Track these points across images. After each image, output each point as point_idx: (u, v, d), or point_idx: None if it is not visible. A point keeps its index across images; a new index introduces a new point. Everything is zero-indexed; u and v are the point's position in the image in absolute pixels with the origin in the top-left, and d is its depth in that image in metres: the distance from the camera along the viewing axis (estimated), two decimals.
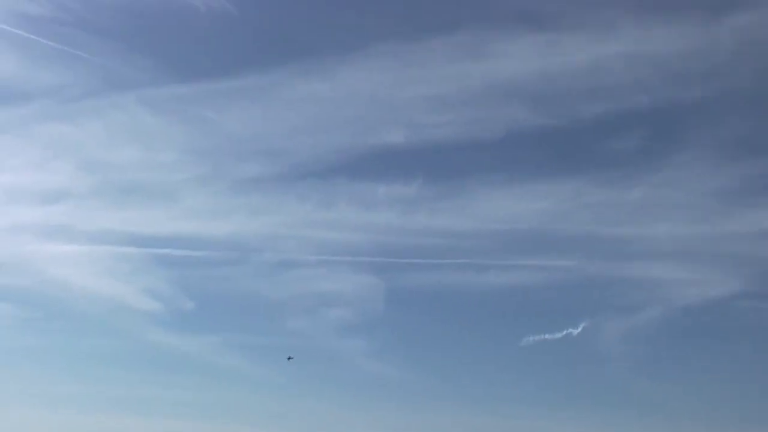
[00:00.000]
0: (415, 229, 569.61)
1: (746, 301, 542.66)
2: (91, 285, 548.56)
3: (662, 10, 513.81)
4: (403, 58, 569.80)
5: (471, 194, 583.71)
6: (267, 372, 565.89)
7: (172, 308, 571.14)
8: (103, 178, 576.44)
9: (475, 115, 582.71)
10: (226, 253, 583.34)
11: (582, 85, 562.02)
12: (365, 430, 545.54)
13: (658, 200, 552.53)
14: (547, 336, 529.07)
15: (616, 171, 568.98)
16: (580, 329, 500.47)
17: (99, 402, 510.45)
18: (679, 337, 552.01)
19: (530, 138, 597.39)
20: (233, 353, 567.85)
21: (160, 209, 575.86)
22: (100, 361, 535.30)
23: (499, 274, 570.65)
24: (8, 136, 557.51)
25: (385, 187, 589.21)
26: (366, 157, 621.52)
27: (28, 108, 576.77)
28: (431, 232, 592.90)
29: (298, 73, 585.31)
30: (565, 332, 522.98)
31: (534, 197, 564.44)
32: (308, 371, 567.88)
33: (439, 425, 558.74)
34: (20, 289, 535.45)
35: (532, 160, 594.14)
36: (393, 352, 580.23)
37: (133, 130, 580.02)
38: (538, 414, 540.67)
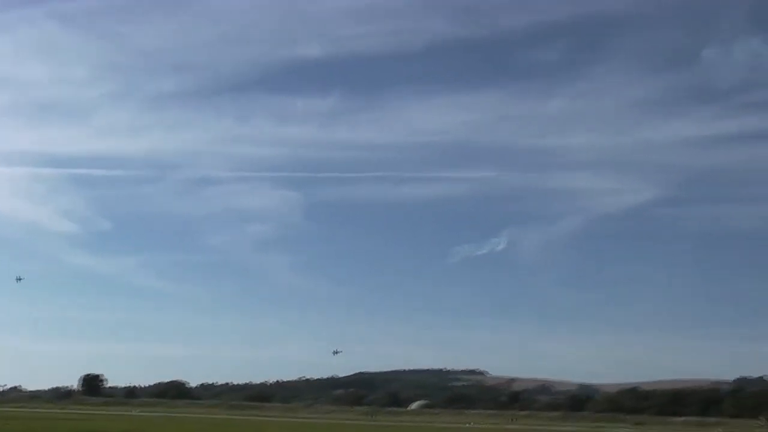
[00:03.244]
0: (333, 142, 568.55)
1: (663, 208, 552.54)
2: (6, 207, 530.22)
3: None
4: None
5: (390, 107, 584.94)
6: (188, 290, 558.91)
7: (89, 229, 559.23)
8: (15, 97, 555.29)
9: (395, 27, 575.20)
10: (143, 172, 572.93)
11: None
12: (289, 342, 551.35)
13: (577, 111, 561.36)
14: (471, 249, 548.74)
15: (536, 82, 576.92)
16: (504, 244, 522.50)
17: (13, 328, 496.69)
18: (599, 245, 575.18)
19: (450, 50, 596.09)
20: (153, 273, 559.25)
21: (75, 128, 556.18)
22: (14, 285, 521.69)
23: (420, 186, 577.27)
24: None
25: (303, 100, 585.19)
26: (283, 70, 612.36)
27: None
28: (350, 145, 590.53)
29: None
30: (488, 245, 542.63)
31: (454, 109, 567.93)
32: (230, 287, 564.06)
33: (362, 335, 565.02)
34: None
35: (453, 72, 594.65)
36: (314, 266, 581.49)
37: (44, 46, 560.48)
38: (463, 323, 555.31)
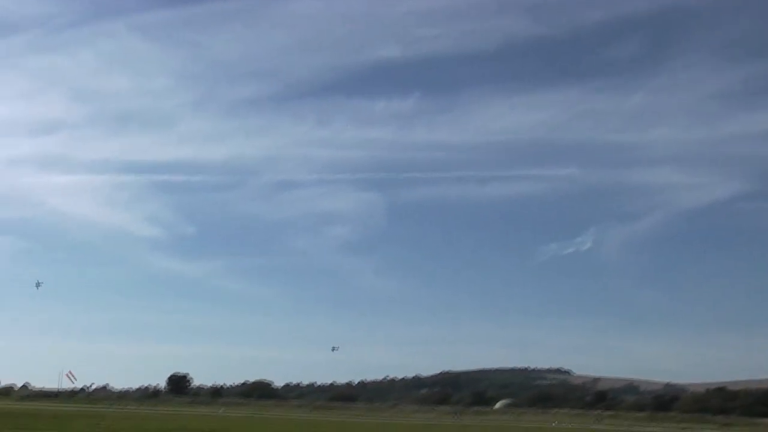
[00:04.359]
0: (414, 143, 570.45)
1: (747, 203, 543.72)
2: (91, 214, 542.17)
3: None
4: None
5: (469, 106, 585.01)
6: (271, 292, 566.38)
7: (173, 234, 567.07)
8: (98, 107, 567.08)
9: (471, 27, 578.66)
10: (225, 177, 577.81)
11: None
12: (373, 343, 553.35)
13: (658, 105, 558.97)
14: (557, 248, 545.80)
15: (616, 77, 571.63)
16: (589, 243, 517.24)
17: (102, 330, 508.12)
18: (683, 241, 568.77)
19: (528, 47, 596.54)
20: (236, 276, 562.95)
21: (157, 136, 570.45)
22: (102, 290, 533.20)
23: (501, 185, 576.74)
24: None
25: (383, 102, 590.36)
26: (362, 74, 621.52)
27: (17, 39, 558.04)
28: (430, 146, 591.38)
29: None
30: (574, 244, 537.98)
31: (533, 107, 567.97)
32: (313, 290, 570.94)
33: (446, 335, 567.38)
34: (20, 221, 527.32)
35: (531, 69, 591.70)
36: (397, 267, 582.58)
37: (125, 58, 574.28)
38: (548, 322, 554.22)
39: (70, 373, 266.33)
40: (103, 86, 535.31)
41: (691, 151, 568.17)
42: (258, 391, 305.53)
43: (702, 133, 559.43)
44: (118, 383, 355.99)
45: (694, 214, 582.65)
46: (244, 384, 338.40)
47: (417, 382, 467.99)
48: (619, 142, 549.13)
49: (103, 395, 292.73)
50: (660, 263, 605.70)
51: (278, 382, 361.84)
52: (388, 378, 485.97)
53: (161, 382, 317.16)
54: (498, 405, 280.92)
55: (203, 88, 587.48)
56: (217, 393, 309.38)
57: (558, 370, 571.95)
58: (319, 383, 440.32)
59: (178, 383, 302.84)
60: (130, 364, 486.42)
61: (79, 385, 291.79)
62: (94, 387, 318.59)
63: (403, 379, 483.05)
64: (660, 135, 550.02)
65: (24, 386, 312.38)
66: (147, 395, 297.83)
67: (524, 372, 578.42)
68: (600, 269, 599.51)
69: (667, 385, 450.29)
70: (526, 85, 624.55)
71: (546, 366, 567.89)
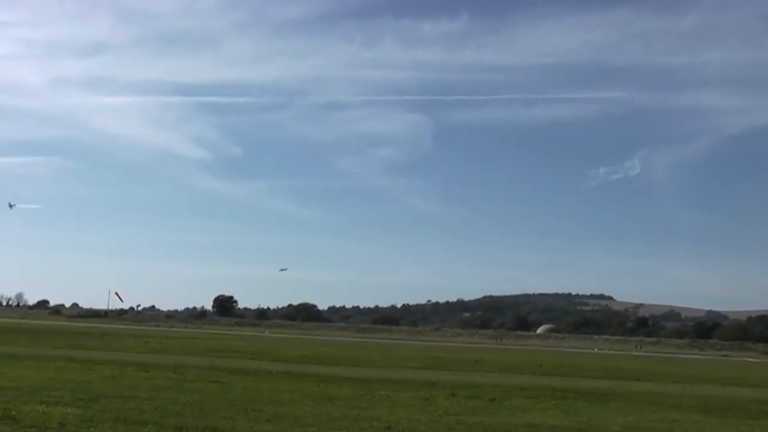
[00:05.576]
0: (461, 65, 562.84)
1: None
2: (137, 135, 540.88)
3: None
4: None
5: (518, 28, 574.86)
6: (317, 214, 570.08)
7: (219, 155, 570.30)
8: (143, 28, 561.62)
9: None
10: (271, 98, 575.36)
11: None
12: (417, 266, 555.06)
13: (711, 26, 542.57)
14: (605, 173, 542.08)
15: None
16: (638, 168, 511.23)
17: (148, 249, 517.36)
18: (731, 166, 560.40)
19: None
20: (281, 198, 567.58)
21: (203, 57, 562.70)
22: (148, 210, 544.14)
23: (549, 108, 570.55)
24: None
25: (431, 23, 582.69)
26: None
27: None
28: (478, 68, 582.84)
29: None
30: (622, 169, 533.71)
31: (583, 28, 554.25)
32: (359, 212, 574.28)
33: (490, 258, 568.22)
34: (67, 141, 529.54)
35: None
36: (443, 189, 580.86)
37: None
38: (591, 247, 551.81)
39: (117, 293, 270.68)
40: (149, 7, 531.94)
41: (742, 74, 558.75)
42: (302, 314, 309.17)
43: (754, 56, 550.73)
44: (165, 304, 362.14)
45: (743, 137, 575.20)
46: (288, 306, 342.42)
47: (460, 306, 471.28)
48: (670, 64, 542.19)
49: (151, 315, 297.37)
50: (707, 188, 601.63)
51: (322, 305, 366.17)
52: (431, 301, 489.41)
53: (207, 304, 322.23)
54: (540, 330, 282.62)
55: (249, 9, 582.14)
56: (262, 315, 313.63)
57: (600, 296, 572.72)
58: (363, 306, 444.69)
59: (224, 305, 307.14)
60: (177, 285, 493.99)
61: (126, 305, 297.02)
62: (141, 307, 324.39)
63: (446, 302, 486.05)
64: (711, 57, 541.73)
65: (73, 305, 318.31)
66: (194, 316, 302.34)
67: (567, 297, 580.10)
68: (646, 194, 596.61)
69: (709, 313, 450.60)
70: (577, 6, 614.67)
71: (588, 291, 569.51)
